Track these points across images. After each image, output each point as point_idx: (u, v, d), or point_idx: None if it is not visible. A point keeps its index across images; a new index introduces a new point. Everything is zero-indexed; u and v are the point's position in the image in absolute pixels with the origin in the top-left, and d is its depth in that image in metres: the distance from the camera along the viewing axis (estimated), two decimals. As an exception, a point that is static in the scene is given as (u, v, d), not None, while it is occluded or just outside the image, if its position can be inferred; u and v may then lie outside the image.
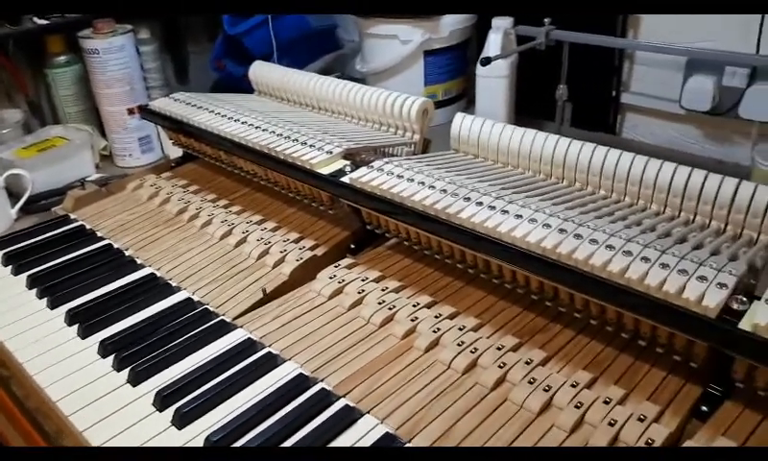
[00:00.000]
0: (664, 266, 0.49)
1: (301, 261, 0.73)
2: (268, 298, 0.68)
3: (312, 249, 0.75)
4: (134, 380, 0.57)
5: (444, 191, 0.63)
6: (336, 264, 0.72)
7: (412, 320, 0.62)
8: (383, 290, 0.67)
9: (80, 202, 0.90)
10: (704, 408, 0.50)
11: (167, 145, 1.10)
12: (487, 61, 0.89)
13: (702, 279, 0.47)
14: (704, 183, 0.59)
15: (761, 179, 0.87)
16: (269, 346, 0.61)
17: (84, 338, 0.63)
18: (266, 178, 0.84)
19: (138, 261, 0.76)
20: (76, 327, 0.64)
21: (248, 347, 0.60)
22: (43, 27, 1.10)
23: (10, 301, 0.70)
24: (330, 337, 0.61)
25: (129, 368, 0.58)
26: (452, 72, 1.19)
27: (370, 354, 0.59)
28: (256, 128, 0.81)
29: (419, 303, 0.64)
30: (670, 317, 0.47)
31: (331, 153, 0.73)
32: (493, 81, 1.02)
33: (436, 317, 0.62)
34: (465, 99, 1.25)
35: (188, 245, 0.78)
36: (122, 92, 1.07)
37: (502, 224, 0.57)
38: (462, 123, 0.77)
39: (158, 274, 0.73)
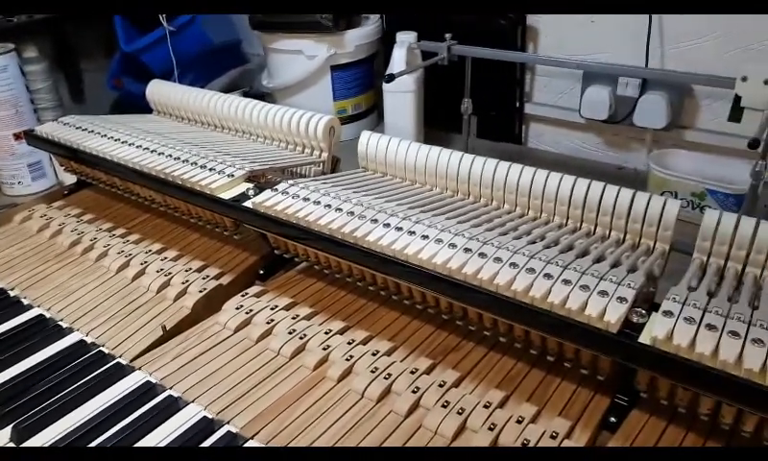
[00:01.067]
0: (566, 282, 0.50)
1: (205, 292, 0.69)
2: (169, 334, 0.64)
3: (217, 277, 0.72)
4: (19, 438, 0.52)
5: (352, 213, 0.61)
6: (243, 293, 0.69)
7: (324, 348, 0.60)
8: (294, 318, 0.64)
9: (-41, 238, 0.83)
10: (612, 419, 0.51)
11: (60, 171, 1.04)
12: (391, 78, 0.89)
13: (603, 293, 0.48)
14: (602, 195, 0.61)
15: (656, 183, 0.91)
16: (169, 388, 0.57)
17: (-40, 394, 0.57)
18: (165, 204, 0.80)
19: (25, 302, 0.70)
20: (-49, 381, 0.58)
21: (146, 391, 0.56)
22: None
23: None
24: (237, 374, 0.58)
25: (11, 425, 0.53)
26: (360, 86, 1.18)
27: (280, 390, 0.56)
28: (152, 152, 0.76)
29: (331, 330, 0.62)
30: (573, 333, 0.47)
31: (233, 176, 0.70)
32: (400, 96, 1.02)
33: (349, 343, 0.60)
34: (375, 113, 1.25)
35: (81, 280, 0.73)
36: (6, 116, 0.99)
37: (409, 246, 0.56)
38: (369, 141, 0.75)
39: (48, 314, 0.67)
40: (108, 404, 0.55)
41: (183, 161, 0.73)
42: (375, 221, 0.60)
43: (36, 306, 0.69)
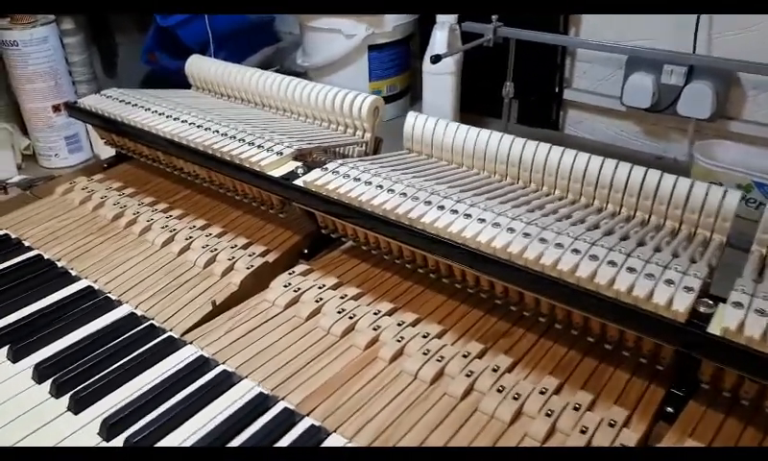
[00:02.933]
0: (631, 270, 0.49)
1: (252, 269, 0.69)
2: (218, 310, 0.65)
3: (263, 255, 0.72)
4: (76, 408, 0.52)
5: (404, 194, 0.61)
6: (290, 271, 0.69)
7: (374, 329, 0.60)
8: (342, 298, 0.64)
9: (2, 208, 0.83)
10: (669, 409, 0.51)
11: (97, 144, 1.04)
12: (437, 59, 0.88)
13: (669, 282, 0.48)
14: (659, 184, 0.60)
15: (701, 175, 0.90)
16: (223, 363, 0.57)
17: (15, 362, 0.58)
18: (209, 180, 0.79)
19: (73, 273, 0.70)
20: (6, 349, 0.59)
21: (200, 365, 0.56)
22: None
23: (-74, 322, 0.63)
24: (289, 351, 0.58)
25: (69, 394, 0.53)
26: (397, 67, 1.17)
27: (332, 368, 0.56)
28: (198, 127, 0.76)
29: (380, 311, 0.62)
30: (639, 322, 0.47)
31: (281, 153, 0.70)
32: (440, 77, 1.01)
33: (399, 325, 0.60)
34: (409, 94, 1.24)
35: (127, 254, 0.73)
36: (46, 88, 0.99)
37: (466, 229, 0.55)
38: (415, 122, 0.75)
39: (96, 287, 0.68)
40: (162, 377, 0.55)
41: (231, 138, 0.73)
42: (429, 203, 0.59)
43: (84, 278, 0.69)
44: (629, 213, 0.61)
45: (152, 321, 0.63)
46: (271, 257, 0.72)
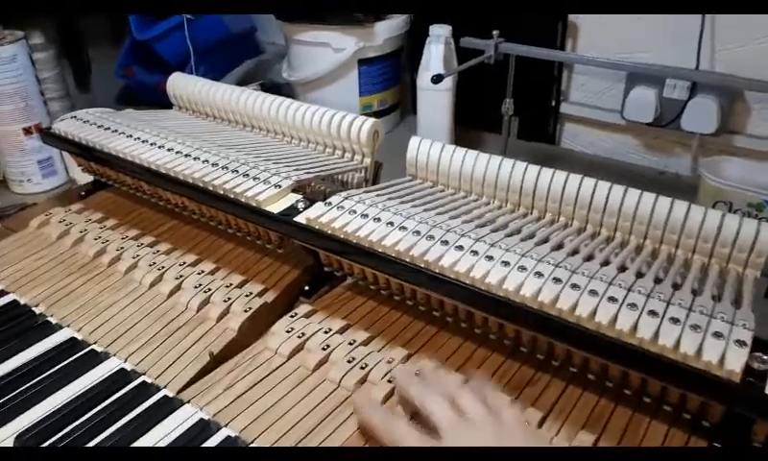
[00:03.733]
0: (674, 321, 0.45)
1: (250, 312, 0.64)
2: (215, 360, 0.59)
3: (261, 294, 0.67)
4: (64, 486, 0.47)
5: (418, 233, 0.56)
6: (292, 313, 0.64)
7: (389, 381, 0.55)
8: (351, 344, 0.60)
9: (-29, 245, 0.76)
10: (715, 467, 0.47)
11: (73, 168, 0.97)
12: (439, 79, 0.83)
13: (717, 335, 0.44)
14: (686, 216, 0.57)
15: (709, 193, 0.87)
16: (225, 426, 0.52)
17: (-8, 430, 0.52)
18: (198, 212, 0.74)
19: (53, 321, 0.64)
20: (-20, 416, 0.53)
21: (202, 430, 0.51)
22: None
23: None
24: (297, 409, 0.53)
25: (56, 469, 0.48)
26: (387, 82, 1.12)
27: (346, 429, 0.51)
28: (186, 156, 0.71)
29: (393, 359, 0.58)
30: (688, 380, 0.43)
31: (280, 186, 0.65)
32: (437, 94, 0.96)
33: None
34: (398, 109, 1.19)
35: (112, 297, 0.67)
36: (15, 110, 0.92)
37: (490, 273, 0.51)
38: (419, 148, 0.70)
39: (80, 336, 0.62)
40: (161, 444, 0.50)
41: (223, 168, 0.68)
42: (446, 243, 0.55)
43: (66, 326, 0.63)
44: (654, 246, 0.58)
45: (143, 376, 0.57)
46: (270, 296, 0.67)
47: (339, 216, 0.60)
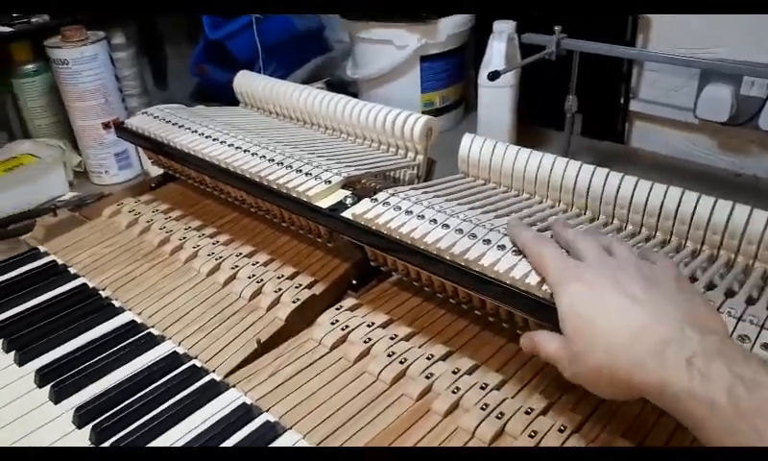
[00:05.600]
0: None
1: (298, 303, 0.66)
2: (262, 348, 0.62)
3: (309, 286, 0.68)
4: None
5: (460, 230, 0.56)
6: (338, 306, 0.65)
7: (426, 377, 0.55)
8: (392, 338, 0.60)
9: (51, 231, 0.83)
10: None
11: (146, 161, 1.03)
12: (495, 76, 0.82)
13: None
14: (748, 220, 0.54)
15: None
16: (266, 411, 0.54)
17: (57, 402, 0.56)
18: (256, 205, 0.77)
19: (117, 304, 0.68)
20: (48, 389, 0.57)
21: (243, 414, 0.53)
22: (8, 34, 1.01)
23: (-28, 355, 0.63)
24: (336, 399, 0.55)
25: (110, 442, 0.51)
26: (450, 78, 1.12)
27: (382, 421, 0.52)
28: (245, 151, 0.73)
29: (433, 355, 0.58)
30: None
31: (330, 182, 0.66)
32: (498, 91, 0.95)
33: (454, 373, 0.56)
34: (461, 106, 1.18)
35: (172, 283, 0.71)
36: (96, 105, 0.98)
37: (531, 273, 0.50)
38: (471, 145, 0.70)
39: (139, 320, 0.66)
40: (203, 428, 0.53)
41: (278, 164, 0.70)
42: (488, 242, 0.54)
43: (128, 310, 0.68)
44: (729, 257, 0.55)
45: (194, 361, 0.60)
46: (318, 289, 0.68)
47: (384, 212, 0.60)
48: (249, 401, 0.55)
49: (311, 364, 0.59)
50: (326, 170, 0.68)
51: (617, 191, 0.60)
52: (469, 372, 0.56)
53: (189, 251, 0.75)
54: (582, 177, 0.62)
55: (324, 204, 0.64)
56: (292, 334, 0.64)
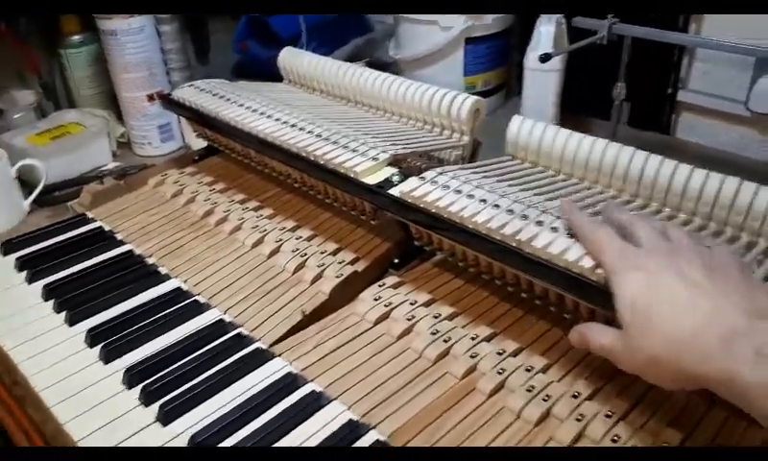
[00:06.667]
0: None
1: (342, 278, 0.66)
2: (306, 319, 0.62)
3: (352, 263, 0.68)
4: (165, 419, 0.51)
5: (511, 211, 0.56)
6: (381, 283, 0.65)
7: (471, 356, 0.55)
8: (435, 317, 0.60)
9: (97, 198, 0.84)
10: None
11: (188, 134, 1.04)
12: (547, 57, 0.81)
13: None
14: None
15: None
16: (312, 380, 0.54)
17: (106, 363, 0.57)
18: (300, 181, 0.77)
19: (162, 271, 0.69)
20: (98, 349, 0.58)
21: (289, 383, 0.54)
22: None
23: (25, 314, 0.64)
24: (379, 373, 0.55)
25: (158, 404, 0.52)
26: (493, 62, 1.11)
27: (426, 397, 0.52)
28: (292, 126, 0.74)
29: (477, 336, 0.58)
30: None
31: (377, 159, 0.66)
32: (544, 75, 0.94)
33: (499, 354, 0.55)
34: (503, 90, 1.17)
35: (217, 254, 0.71)
36: (141, 77, 1.00)
37: (585, 257, 0.50)
38: (520, 128, 0.69)
39: (185, 287, 0.67)
40: (249, 394, 0.53)
41: (324, 139, 0.70)
42: (540, 223, 0.54)
43: (174, 277, 0.68)
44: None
45: (240, 329, 0.61)
46: (360, 266, 0.68)
47: (432, 191, 0.60)
48: (294, 371, 0.56)
49: (355, 338, 0.59)
50: (372, 147, 0.68)
51: (671, 178, 0.59)
52: (514, 354, 0.56)
53: (233, 223, 0.75)
54: (635, 163, 0.61)
55: (371, 180, 0.64)
56: (334, 308, 0.64)
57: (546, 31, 0.92)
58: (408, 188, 0.61)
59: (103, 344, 0.58)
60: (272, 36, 1.18)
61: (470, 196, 0.59)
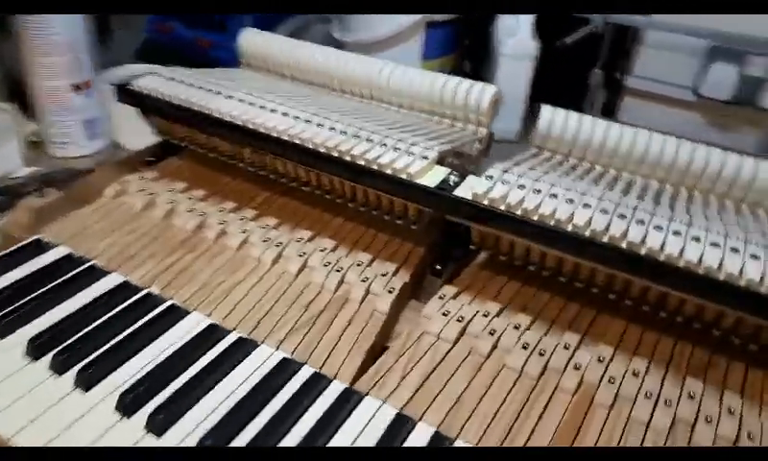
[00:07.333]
0: None
1: (394, 292, 0.59)
2: (374, 345, 0.54)
3: (395, 273, 0.61)
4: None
5: (605, 211, 0.52)
6: (440, 295, 0.59)
7: (575, 368, 0.52)
8: (516, 328, 0.56)
9: (42, 215, 0.67)
10: None
11: (120, 131, 0.88)
12: (563, 44, 0.79)
13: None
14: None
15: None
16: (420, 420, 0.47)
17: (159, 435, 0.45)
18: (312, 182, 0.68)
19: (178, 304, 0.57)
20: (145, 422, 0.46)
21: (401, 427, 0.46)
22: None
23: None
24: (488, 401, 0.49)
25: (254, 477, 0.42)
26: (450, 47, 1.07)
27: (550, 422, 0.48)
28: (306, 122, 0.64)
29: (569, 345, 0.54)
30: None
31: (426, 158, 0.59)
32: (519, 62, 0.92)
33: (599, 360, 0.52)
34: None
35: (232, 276, 0.60)
36: (65, 62, 0.82)
37: (750, 266, 0.48)
38: (553, 118, 0.67)
39: (215, 321, 0.55)
40: (360, 443, 0.45)
41: (354, 137, 0.61)
42: (642, 222, 0.51)
43: (193, 310, 0.56)
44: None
45: (306, 366, 0.52)
46: (404, 276, 0.62)
47: (510, 191, 0.55)
48: (393, 411, 0.48)
49: (441, 362, 0.53)
50: (414, 145, 0.61)
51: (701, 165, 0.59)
52: (612, 358, 0.53)
53: (237, 237, 0.64)
54: (683, 154, 0.61)
55: (427, 182, 0.58)
56: (391, 325, 0.57)
57: (525, 17, 0.90)
58: (481, 189, 0.55)
59: (154, 416, 0.46)
60: (199, 17, 1.04)
61: (553, 195, 0.54)
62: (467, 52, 1.08)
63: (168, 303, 0.57)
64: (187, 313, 0.56)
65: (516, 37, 0.88)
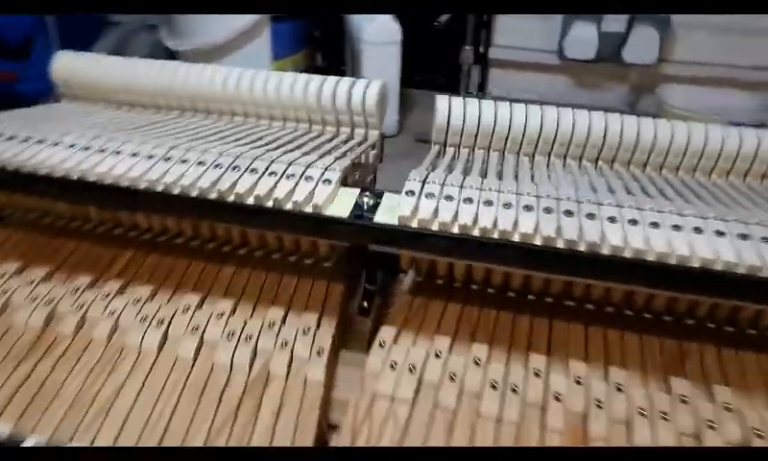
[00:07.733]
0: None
1: (323, 353, 0.48)
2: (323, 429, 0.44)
3: (318, 326, 0.51)
4: None
5: (549, 209, 0.46)
6: (379, 342, 0.49)
7: (598, 407, 0.45)
8: (477, 363, 0.47)
9: None
10: None
11: None
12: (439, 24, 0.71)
13: None
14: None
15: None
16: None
17: None
18: (179, 232, 0.55)
19: (41, 442, 0.42)
20: None
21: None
22: None
23: None
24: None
25: None
26: (300, 42, 0.96)
27: (551, 470, 0.41)
28: (166, 160, 0.50)
29: (539, 371, 0.47)
30: None
31: (329, 181, 0.49)
32: (386, 48, 0.84)
33: (577, 383, 0.46)
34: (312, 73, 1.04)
35: (111, 381, 0.46)
36: None
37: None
38: (449, 108, 0.59)
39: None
40: None
41: (233, 168, 0.49)
42: (592, 216, 0.45)
43: (68, 441, 0.42)
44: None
45: (242, 484, 0.40)
46: (328, 327, 0.51)
47: (438, 206, 0.46)
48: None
49: (406, 430, 0.43)
50: (310, 166, 0.50)
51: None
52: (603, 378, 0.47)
53: (104, 323, 0.50)
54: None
55: (338, 211, 0.47)
56: (327, 395, 0.47)
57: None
58: (408, 211, 0.46)
59: None
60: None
61: (488, 202, 0.47)
62: (319, 45, 0.98)
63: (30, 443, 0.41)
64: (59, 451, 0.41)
65: (377, 22, 0.79)
